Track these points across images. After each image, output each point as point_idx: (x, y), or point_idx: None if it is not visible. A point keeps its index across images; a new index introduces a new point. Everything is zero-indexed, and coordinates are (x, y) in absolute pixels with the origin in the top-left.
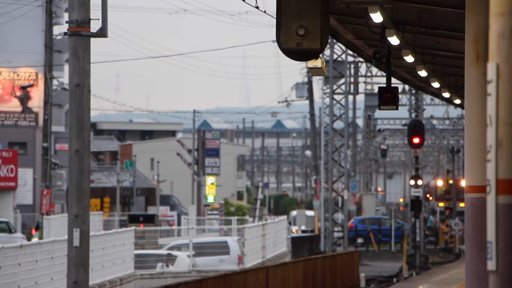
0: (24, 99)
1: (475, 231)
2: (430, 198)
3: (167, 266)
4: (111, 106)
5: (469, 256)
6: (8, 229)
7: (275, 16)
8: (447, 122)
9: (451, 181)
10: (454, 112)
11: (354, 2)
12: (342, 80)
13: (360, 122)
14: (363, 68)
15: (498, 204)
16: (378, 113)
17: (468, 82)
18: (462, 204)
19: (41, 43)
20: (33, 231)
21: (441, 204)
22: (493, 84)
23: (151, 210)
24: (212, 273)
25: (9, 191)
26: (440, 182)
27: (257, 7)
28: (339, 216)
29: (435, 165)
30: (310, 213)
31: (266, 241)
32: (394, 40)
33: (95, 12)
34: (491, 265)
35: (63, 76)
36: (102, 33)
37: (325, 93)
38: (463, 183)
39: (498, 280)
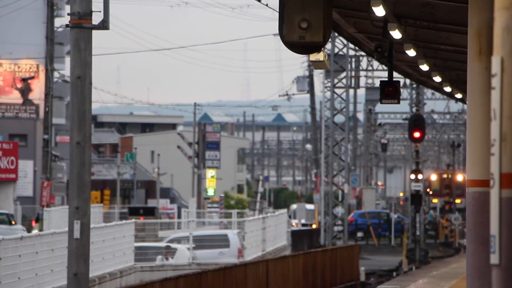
0: (25, 91)
1: (477, 226)
2: (430, 193)
3: (166, 259)
4: (112, 99)
5: (470, 250)
6: (8, 221)
7: (277, 10)
8: (447, 116)
9: (445, 175)
10: (455, 106)
11: None
12: (343, 74)
13: (360, 116)
14: (364, 62)
15: (502, 198)
16: (379, 107)
17: (471, 76)
18: (458, 201)
19: (42, 35)
20: (33, 223)
21: (435, 201)
22: (497, 78)
23: (151, 203)
24: (212, 266)
25: (10, 183)
26: (434, 177)
27: (259, 0)
28: (339, 210)
29: (436, 159)
30: (310, 206)
31: (266, 234)
32: (396, 34)
33: (96, 4)
34: (494, 258)
35: (64, 68)
36: (103, 25)
37: (326, 87)
38: (459, 177)
39: (501, 274)
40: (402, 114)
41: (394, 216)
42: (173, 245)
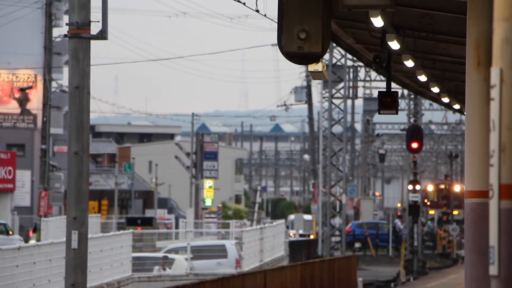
0: (23, 101)
1: (475, 236)
2: (428, 203)
3: (164, 269)
4: (110, 109)
5: (469, 261)
6: (5, 230)
7: (275, 20)
8: (445, 127)
9: (442, 186)
10: (453, 117)
11: (357, 6)
12: (341, 85)
13: (358, 126)
14: (362, 72)
15: (501, 209)
16: (377, 118)
17: (469, 87)
18: (455, 212)
19: (40, 45)
20: (31, 233)
21: (432, 212)
22: (496, 89)
23: (149, 213)
24: (209, 277)
25: (7, 193)
26: (430, 187)
27: (257, 11)
28: (337, 221)
29: (433, 170)
30: (308, 217)
31: (264, 244)
32: (394, 45)
33: (95, 14)
34: (493, 270)
35: (62, 78)
36: (102, 35)
37: (324, 97)
38: (456, 188)
39: (500, 285)
40: (400, 124)
41: (401, 226)
42: (170, 256)
